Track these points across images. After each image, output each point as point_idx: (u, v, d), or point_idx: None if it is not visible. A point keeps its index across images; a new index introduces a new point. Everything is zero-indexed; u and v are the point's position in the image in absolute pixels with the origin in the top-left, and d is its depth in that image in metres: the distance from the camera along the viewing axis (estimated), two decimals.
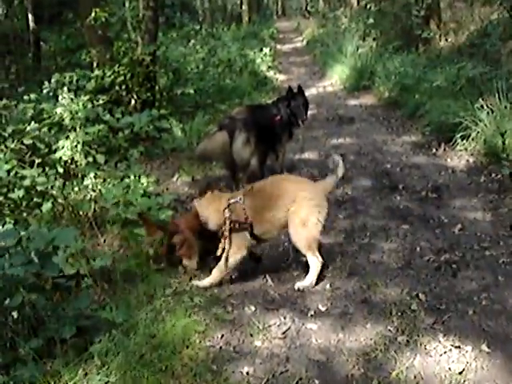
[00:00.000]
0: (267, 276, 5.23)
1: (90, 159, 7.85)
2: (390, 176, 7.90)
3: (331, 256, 5.52)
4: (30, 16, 16.14)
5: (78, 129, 7.57)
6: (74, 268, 4.87)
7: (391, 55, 15.13)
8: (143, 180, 7.66)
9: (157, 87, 10.45)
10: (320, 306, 4.70)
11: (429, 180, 7.62)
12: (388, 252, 5.59)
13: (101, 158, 7.97)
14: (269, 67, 17.44)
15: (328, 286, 5.00)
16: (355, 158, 8.87)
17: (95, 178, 7.27)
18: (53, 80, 9.78)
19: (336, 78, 16.58)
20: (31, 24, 16.04)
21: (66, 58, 16.36)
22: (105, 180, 7.47)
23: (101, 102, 8.77)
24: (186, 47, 13.84)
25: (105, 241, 5.89)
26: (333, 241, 5.95)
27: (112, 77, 10.00)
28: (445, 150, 8.84)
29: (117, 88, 10.06)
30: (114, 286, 4.92)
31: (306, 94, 14.81)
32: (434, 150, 8.86)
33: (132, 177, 7.63)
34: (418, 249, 5.63)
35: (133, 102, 10.13)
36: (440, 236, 5.91)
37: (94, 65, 10.64)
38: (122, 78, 9.99)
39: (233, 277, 5.19)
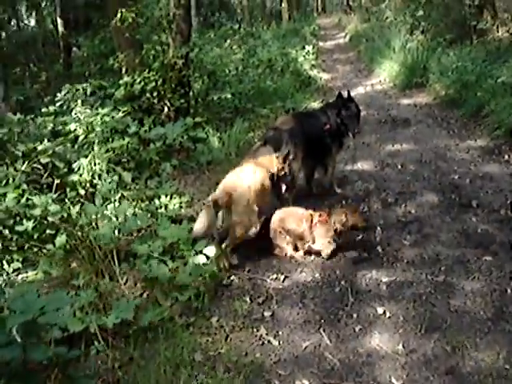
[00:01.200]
0: (322, 331, 4.20)
1: (116, 178, 6.94)
2: (459, 190, 6.77)
3: (400, 301, 4.47)
4: (58, 20, 15.38)
5: (96, 145, 6.65)
6: (83, 324, 3.94)
7: (444, 49, 13.84)
8: (175, 201, 6.76)
9: (191, 93, 9.53)
10: (393, 379, 3.65)
11: (507, 194, 6.48)
12: (472, 295, 4.49)
13: (127, 176, 7.09)
14: (312, 66, 16.34)
15: (401, 347, 3.94)
16: (416, 168, 7.75)
17: (120, 200, 6.38)
18: (63, 92, 8.91)
19: (384, 75, 15.38)
20: (60, 29, 15.29)
21: (99, 63, 15.59)
22: (133, 201, 6.58)
23: (124, 111, 7.79)
24: (222, 48, 12.85)
25: (126, 282, 4.94)
26: (400, 277, 4.89)
27: (142, 83, 9.10)
28: None
29: (147, 95, 9.16)
30: (133, 347, 3.96)
31: (353, 93, 13.99)
32: (507, 157, 7.68)
33: (163, 197, 6.74)
34: (509, 290, 4.51)
35: (165, 109, 9.21)
36: None
37: (123, 70, 9.75)
38: (152, 83, 9.09)
39: (280, 332, 4.18)
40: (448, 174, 7.38)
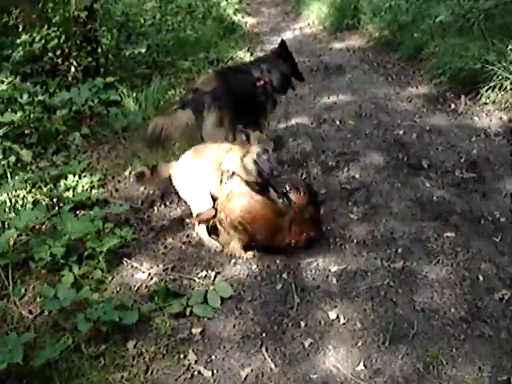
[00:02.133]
0: (264, 350, 3.43)
1: (13, 158, 5.89)
2: (406, 148, 6.06)
3: (355, 300, 3.74)
4: None
5: None
6: None
7: None
8: (85, 180, 5.78)
9: (100, 49, 8.33)
10: None
11: (459, 151, 5.82)
12: (438, 286, 3.80)
13: (27, 155, 6.03)
14: (236, 10, 15.15)
15: (362, 367, 3.20)
16: (356, 123, 6.98)
17: (17, 186, 5.36)
18: None
19: (313, 17, 14.44)
20: None
21: None
22: (34, 186, 5.58)
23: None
24: None
25: (23, 296, 4.00)
26: (351, 265, 4.15)
27: (42, 41, 7.86)
28: (466, 104, 7.00)
29: (50, 55, 7.94)
30: None
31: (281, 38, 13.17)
32: (453, 106, 7.00)
33: (71, 176, 5.75)
34: (481, 277, 3.84)
35: (72, 70, 8.03)
36: (504, 248, 4.14)
37: (20, 28, 8.44)
38: (55, 41, 7.86)
39: (213, 357, 3.37)
40: (392, 128, 6.66)
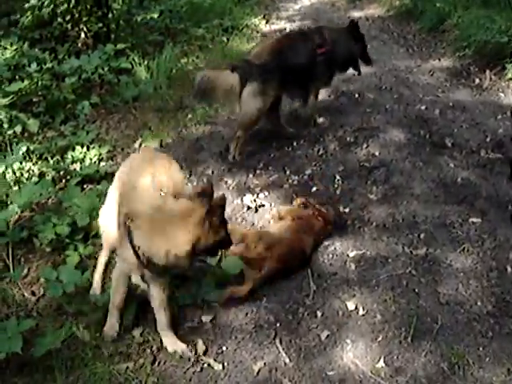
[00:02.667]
0: (278, 342, 3.23)
1: (19, 128, 5.68)
2: (428, 124, 5.79)
3: (375, 289, 3.53)
4: None
5: None
6: None
7: None
8: (93, 152, 5.58)
9: (110, 14, 8.05)
10: None
11: (485, 130, 5.55)
12: (464, 277, 3.58)
13: (34, 125, 5.82)
14: None
15: (383, 365, 2.99)
16: (376, 96, 6.69)
17: (23, 158, 5.17)
18: None
19: None
20: None
21: None
22: (40, 158, 5.39)
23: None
24: None
25: (26, 276, 3.82)
26: (371, 250, 3.93)
27: (52, 6, 7.57)
28: (491, 79, 6.69)
29: (59, 20, 7.68)
30: None
31: (298, 5, 12.79)
32: (478, 81, 6.69)
33: (79, 148, 5.55)
34: (510, 268, 3.61)
35: (82, 36, 7.78)
36: None
37: None
38: (64, 6, 7.58)
39: (224, 348, 3.18)
40: (413, 103, 6.37)
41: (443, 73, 7.19)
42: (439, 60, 7.71)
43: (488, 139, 5.34)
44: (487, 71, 6.75)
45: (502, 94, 6.27)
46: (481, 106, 6.08)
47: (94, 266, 3.76)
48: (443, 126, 5.69)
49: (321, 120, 6.04)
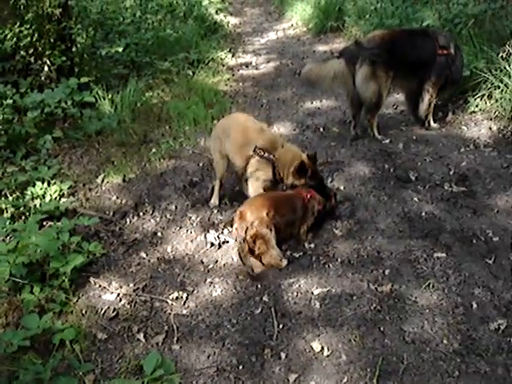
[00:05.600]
0: None
1: None
2: (392, 158, 5.81)
3: (341, 328, 3.45)
4: None
5: None
6: None
7: None
8: (54, 188, 5.46)
9: (74, 48, 7.98)
10: None
11: (448, 163, 5.56)
12: (429, 314, 3.52)
13: None
14: (218, 9, 14.88)
15: None
16: (340, 130, 6.72)
17: None
18: None
19: (297, 18, 14.19)
20: None
21: None
22: None
23: None
24: None
25: None
26: (336, 287, 3.87)
27: (14, 39, 7.46)
28: (454, 112, 6.73)
29: (22, 53, 7.55)
30: None
31: (264, 39, 12.89)
32: (441, 114, 6.72)
33: (39, 184, 5.42)
34: (475, 304, 3.56)
35: (45, 69, 7.66)
36: (498, 272, 3.87)
37: None
38: (27, 39, 7.47)
39: None
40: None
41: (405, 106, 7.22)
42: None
43: (451, 172, 5.35)
44: (450, 105, 6.80)
45: (464, 128, 6.32)
46: (444, 139, 6.11)
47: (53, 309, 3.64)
48: (407, 160, 5.71)
49: (433, 125, 6.41)
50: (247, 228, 4.04)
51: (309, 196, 4.46)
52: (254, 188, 4.70)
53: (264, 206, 4.18)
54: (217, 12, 14.59)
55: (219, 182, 5.14)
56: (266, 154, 4.59)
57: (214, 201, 5.16)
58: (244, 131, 4.75)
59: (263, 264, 4.13)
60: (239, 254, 4.11)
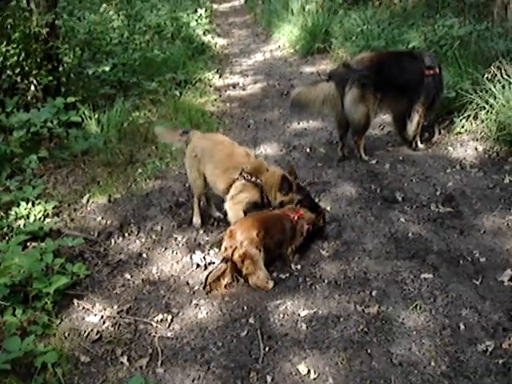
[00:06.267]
0: None
1: None
2: (379, 178, 5.81)
3: (327, 351, 3.41)
4: None
5: None
6: None
7: (346, 11, 12.85)
8: (39, 208, 5.40)
9: (61, 67, 7.97)
10: None
11: (435, 184, 5.57)
12: (416, 336, 3.49)
13: None
14: (205, 31, 14.94)
15: None
16: (327, 151, 6.73)
17: None
18: None
19: (284, 40, 14.29)
20: None
21: None
22: None
23: None
24: (98, 13, 11.15)
25: None
26: (322, 309, 3.83)
27: (1, 58, 7.45)
28: (440, 133, 6.77)
29: (8, 72, 7.53)
30: None
31: (251, 61, 12.94)
32: (427, 135, 6.75)
33: (24, 204, 5.36)
34: (462, 325, 3.54)
35: (32, 89, 7.64)
36: (485, 292, 3.85)
37: None
38: (14, 58, 7.47)
39: None
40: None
41: (392, 127, 7.24)
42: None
43: (438, 193, 5.36)
44: (436, 125, 6.83)
45: (450, 148, 6.34)
46: (430, 159, 6.13)
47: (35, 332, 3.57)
48: (393, 180, 5.71)
49: (420, 146, 6.46)
50: (236, 247, 4.00)
51: (297, 217, 4.43)
52: (234, 211, 4.66)
53: (254, 226, 4.15)
54: (204, 33, 14.66)
55: (197, 200, 5.13)
56: (253, 179, 4.58)
57: (196, 220, 5.13)
58: (230, 155, 4.73)
59: (249, 285, 4.09)
60: (207, 276, 4.07)
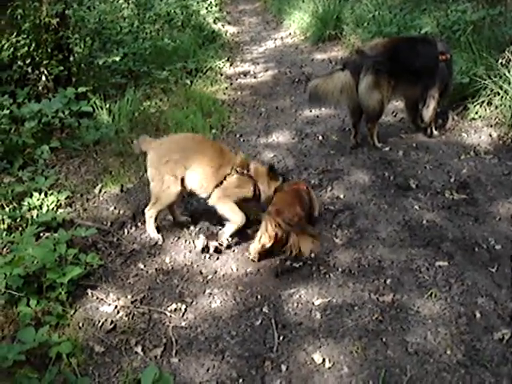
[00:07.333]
0: None
1: None
2: (392, 166, 5.75)
3: (342, 339, 3.39)
4: None
5: None
6: None
7: None
8: (51, 198, 5.40)
9: (72, 58, 7.96)
10: None
11: (449, 171, 5.51)
12: (432, 324, 3.46)
13: None
14: (216, 19, 14.87)
15: None
16: (339, 139, 6.67)
17: None
18: None
19: (294, 26, 14.20)
20: None
21: None
22: None
23: None
24: (108, 2, 11.12)
25: None
26: (336, 297, 3.81)
27: (11, 49, 7.44)
28: (454, 119, 6.69)
29: (19, 63, 7.53)
30: None
31: (262, 48, 12.88)
32: (440, 121, 6.66)
33: (36, 194, 5.37)
34: (478, 314, 3.50)
35: (42, 79, 7.65)
36: (501, 280, 3.82)
37: None
38: (24, 49, 7.47)
39: None
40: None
41: (405, 113, 7.18)
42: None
43: (452, 180, 5.30)
44: (450, 112, 6.75)
45: (464, 135, 6.28)
46: (444, 146, 6.07)
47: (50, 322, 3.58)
48: (407, 168, 5.66)
49: (435, 133, 6.41)
50: (288, 222, 4.11)
51: (306, 187, 4.71)
52: (228, 206, 4.55)
53: (295, 202, 4.36)
54: (215, 21, 14.59)
55: (157, 213, 4.78)
56: (246, 172, 4.58)
57: (156, 235, 4.81)
58: (221, 152, 4.66)
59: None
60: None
